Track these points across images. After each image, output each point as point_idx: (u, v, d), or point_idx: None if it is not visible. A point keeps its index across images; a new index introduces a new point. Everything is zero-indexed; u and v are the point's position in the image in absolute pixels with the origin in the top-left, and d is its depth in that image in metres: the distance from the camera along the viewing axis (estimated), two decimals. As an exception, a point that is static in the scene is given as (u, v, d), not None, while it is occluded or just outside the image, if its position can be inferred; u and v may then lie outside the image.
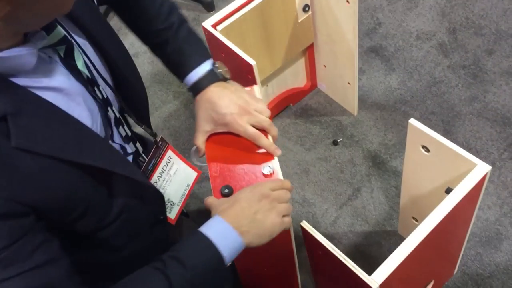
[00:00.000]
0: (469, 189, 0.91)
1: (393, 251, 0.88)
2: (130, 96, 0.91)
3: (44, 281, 0.65)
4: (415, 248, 0.88)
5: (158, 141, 0.96)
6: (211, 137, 0.98)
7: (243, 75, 1.24)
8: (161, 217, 0.94)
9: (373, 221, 1.46)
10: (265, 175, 0.92)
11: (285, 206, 0.85)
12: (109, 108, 0.82)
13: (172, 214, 1.00)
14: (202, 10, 2.15)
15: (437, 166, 1.04)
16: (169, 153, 1.00)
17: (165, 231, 0.96)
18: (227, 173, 0.93)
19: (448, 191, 0.96)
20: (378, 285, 0.84)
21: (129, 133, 0.89)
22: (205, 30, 1.29)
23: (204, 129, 0.96)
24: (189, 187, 1.04)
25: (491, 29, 1.82)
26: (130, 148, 0.91)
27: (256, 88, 1.02)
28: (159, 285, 0.72)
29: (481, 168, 0.93)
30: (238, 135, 0.94)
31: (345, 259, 0.88)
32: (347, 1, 1.35)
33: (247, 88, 1.01)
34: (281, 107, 1.74)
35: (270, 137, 0.95)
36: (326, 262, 0.96)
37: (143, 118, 0.97)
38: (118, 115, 0.85)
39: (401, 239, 1.41)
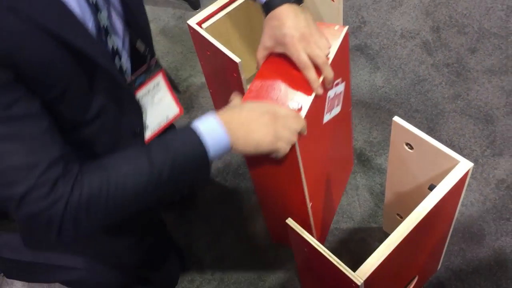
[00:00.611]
0: (451, 186, 0.93)
1: (377, 247, 0.89)
2: (132, 18, 0.91)
3: (23, 132, 0.69)
4: (398, 244, 0.89)
5: (151, 62, 0.97)
6: (273, 57, 1.01)
7: (228, 73, 1.24)
8: (138, 130, 0.96)
9: (358, 217, 1.47)
10: None
11: (288, 133, 0.87)
12: (98, 14, 0.81)
13: (145, 135, 1.02)
14: (187, 8, 2.15)
15: (421, 163, 1.06)
16: (159, 78, 1.01)
17: (142, 145, 0.98)
18: (263, 93, 0.97)
19: (431, 188, 0.97)
20: (362, 281, 0.85)
21: (115, 48, 0.89)
22: (190, 28, 1.28)
23: (265, 44, 0.99)
24: (168, 120, 1.05)
25: (474, 28, 1.84)
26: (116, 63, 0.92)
27: (344, 31, 1.05)
28: (141, 166, 0.76)
29: (464, 165, 0.95)
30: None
31: (330, 256, 0.88)
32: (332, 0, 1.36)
33: (337, 27, 1.06)
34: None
35: (322, 78, 0.96)
36: (311, 259, 0.97)
37: (146, 41, 0.97)
38: (106, 24, 0.84)
39: (386, 235, 1.42)
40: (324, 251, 0.89)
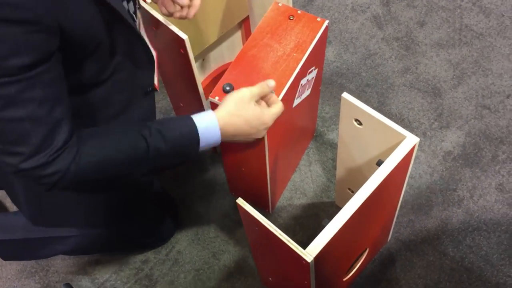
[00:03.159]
0: (398, 161, 0.94)
1: (329, 223, 0.89)
2: None
3: (44, 114, 0.74)
4: (348, 220, 0.90)
5: (138, 6, 1.01)
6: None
7: (175, 49, 1.20)
8: (150, 89, 1.02)
9: (311, 193, 1.48)
10: None
11: (265, 131, 1.01)
12: None
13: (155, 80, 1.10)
14: (134, -19, 2.07)
15: (369, 139, 1.06)
16: (140, 20, 1.07)
17: (153, 105, 1.07)
18: (241, 77, 1.12)
19: (379, 163, 0.98)
20: (312, 258, 0.85)
21: None
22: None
23: None
24: (156, 62, 1.12)
25: (422, 1, 1.86)
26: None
27: (325, 24, 1.18)
28: (139, 149, 0.84)
29: (410, 141, 0.96)
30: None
31: (280, 234, 0.88)
32: (281, -27, 1.33)
33: (319, 19, 1.19)
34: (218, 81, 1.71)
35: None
36: (263, 238, 0.97)
37: None
38: None
39: (338, 209, 1.44)
40: (274, 229, 0.89)
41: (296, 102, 1.21)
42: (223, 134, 0.93)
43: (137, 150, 0.85)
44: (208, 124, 0.92)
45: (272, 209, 1.45)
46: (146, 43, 0.95)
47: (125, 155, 0.84)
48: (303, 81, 1.19)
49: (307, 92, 1.26)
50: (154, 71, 1.02)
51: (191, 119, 0.91)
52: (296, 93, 1.18)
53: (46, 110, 0.74)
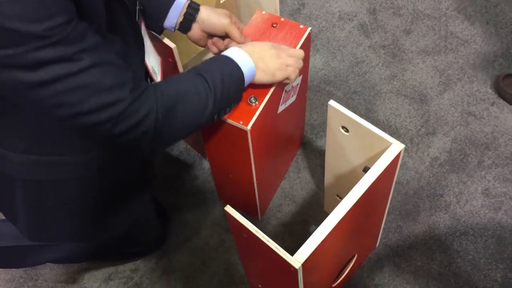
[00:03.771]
0: (384, 168, 0.95)
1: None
2: None
3: (104, 58, 0.76)
4: (335, 226, 0.91)
5: (138, 7, 1.03)
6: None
7: (164, 58, 1.21)
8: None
9: (300, 200, 1.49)
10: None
11: (293, 59, 1.05)
12: None
13: (157, 80, 1.13)
14: (123, -10, 2.08)
15: (356, 146, 1.08)
16: (143, 27, 1.07)
17: None
18: None
19: (366, 169, 0.99)
20: (300, 264, 0.86)
21: None
22: (123, 12, 1.24)
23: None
24: (160, 66, 1.16)
25: (408, 10, 1.89)
26: None
27: (308, 31, 1.21)
28: (200, 85, 0.91)
29: (395, 147, 0.97)
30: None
31: (268, 241, 0.89)
32: (268, -18, 1.35)
33: (302, 26, 1.22)
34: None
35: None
36: (251, 244, 0.97)
37: None
38: None
39: (327, 216, 1.45)
40: (262, 236, 0.89)
41: (281, 108, 1.22)
42: (253, 60, 0.99)
43: (197, 83, 0.91)
44: (238, 52, 0.98)
45: (261, 216, 1.45)
46: (139, 30, 0.97)
47: (192, 86, 0.90)
48: (287, 88, 1.20)
49: (292, 99, 1.27)
50: (144, 60, 1.04)
51: (220, 55, 0.98)
52: (280, 99, 1.19)
53: (102, 54, 0.76)
